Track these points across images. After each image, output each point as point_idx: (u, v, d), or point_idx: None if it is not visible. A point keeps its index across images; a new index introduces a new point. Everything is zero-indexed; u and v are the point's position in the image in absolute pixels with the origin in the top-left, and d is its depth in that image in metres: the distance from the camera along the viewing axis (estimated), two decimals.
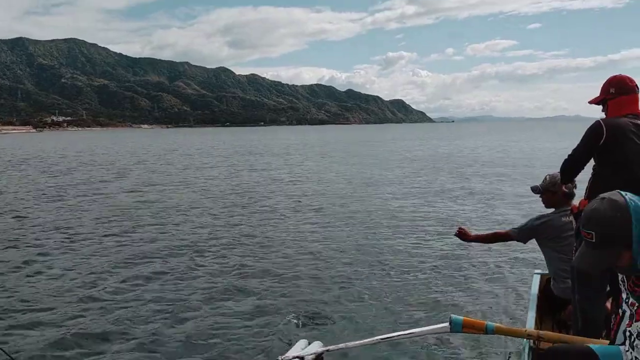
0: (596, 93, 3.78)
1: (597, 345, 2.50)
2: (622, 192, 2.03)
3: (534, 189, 4.39)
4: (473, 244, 5.98)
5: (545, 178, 4.26)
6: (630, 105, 3.65)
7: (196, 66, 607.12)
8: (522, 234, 4.30)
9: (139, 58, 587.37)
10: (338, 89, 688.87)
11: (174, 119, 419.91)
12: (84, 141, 74.96)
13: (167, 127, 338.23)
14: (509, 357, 4.37)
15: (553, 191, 4.23)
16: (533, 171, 20.08)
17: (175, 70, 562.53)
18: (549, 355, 2.52)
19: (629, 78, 3.71)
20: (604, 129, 3.52)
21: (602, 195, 2.08)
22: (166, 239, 9.41)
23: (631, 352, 2.21)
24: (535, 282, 4.52)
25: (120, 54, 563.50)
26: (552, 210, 4.25)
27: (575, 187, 4.18)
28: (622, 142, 3.48)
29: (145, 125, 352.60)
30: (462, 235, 4.47)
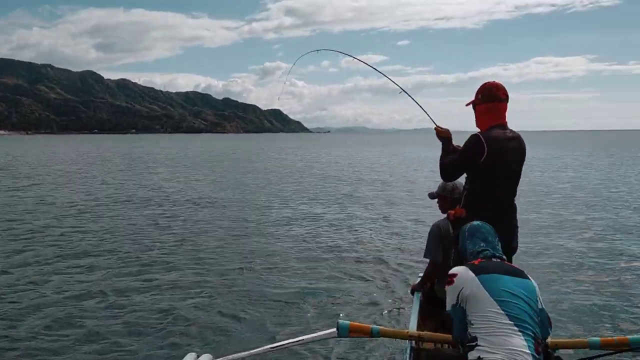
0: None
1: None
2: None
3: (431, 195, 4.60)
4: None
5: (440, 185, 4.42)
6: (494, 115, 3.62)
7: (60, 69, 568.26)
8: (435, 252, 4.37)
9: None
10: (215, 97, 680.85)
11: (34, 124, 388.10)
12: None
13: (27, 134, 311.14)
14: (393, 358, 4.53)
15: (443, 196, 4.44)
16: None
17: (37, 73, 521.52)
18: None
19: (497, 86, 3.67)
20: (485, 145, 3.50)
21: None
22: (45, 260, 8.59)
23: None
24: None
25: None
26: (445, 215, 4.46)
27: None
28: (503, 157, 3.55)
29: (2, 131, 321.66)
30: None
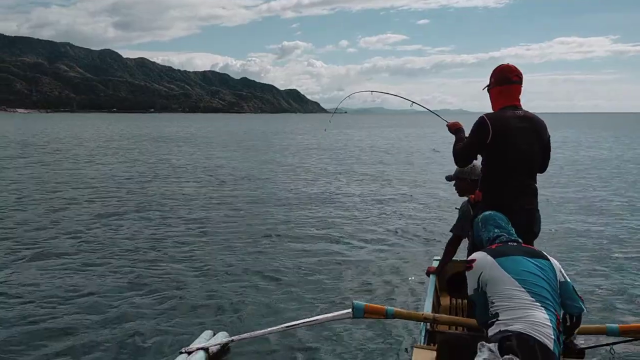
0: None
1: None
2: None
3: (448, 178, 4.59)
4: None
5: (457, 168, 4.39)
6: (507, 96, 3.62)
7: (79, 47, 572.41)
8: (461, 229, 4.40)
9: (15, 37, 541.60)
10: (232, 76, 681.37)
11: (53, 103, 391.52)
12: None
13: (47, 112, 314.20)
14: (408, 340, 4.55)
15: (461, 178, 4.43)
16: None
17: (56, 51, 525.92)
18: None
19: (509, 68, 3.66)
20: (489, 125, 3.50)
21: None
22: (69, 233, 8.74)
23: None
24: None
25: None
26: (465, 198, 4.44)
27: None
28: (508, 137, 3.51)
29: (22, 110, 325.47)
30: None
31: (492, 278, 2.74)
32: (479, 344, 2.57)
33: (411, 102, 5.07)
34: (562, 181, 15.52)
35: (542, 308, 2.60)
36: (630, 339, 3.31)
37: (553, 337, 2.54)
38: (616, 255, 7.48)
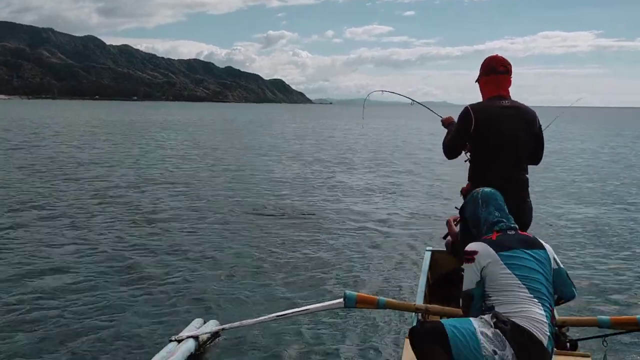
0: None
1: (449, 319, 2.78)
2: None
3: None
4: None
5: None
6: (493, 87, 3.63)
7: (62, 33, 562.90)
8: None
9: None
10: (217, 65, 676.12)
11: (35, 89, 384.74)
12: None
13: (28, 99, 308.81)
14: (399, 331, 4.56)
15: None
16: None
17: (38, 37, 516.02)
18: (411, 333, 2.75)
19: (496, 59, 3.68)
20: (472, 115, 3.53)
21: None
22: (49, 220, 8.62)
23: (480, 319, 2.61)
24: (427, 258, 4.69)
25: None
26: None
27: None
28: (492, 127, 3.51)
29: (2, 96, 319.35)
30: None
31: (492, 272, 2.71)
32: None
33: (412, 101, 5.15)
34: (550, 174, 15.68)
35: (539, 304, 2.61)
36: (622, 331, 3.35)
37: (548, 333, 2.57)
38: (608, 245, 7.59)
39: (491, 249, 2.76)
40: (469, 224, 3.16)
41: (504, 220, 2.95)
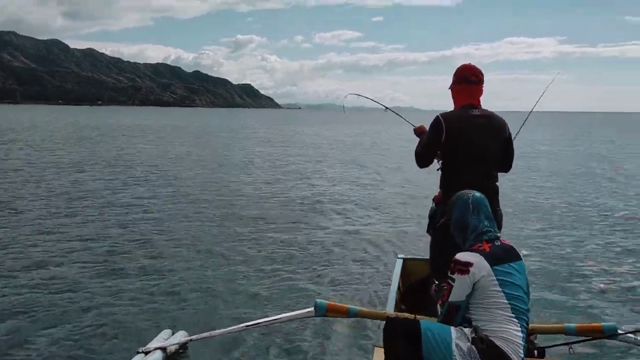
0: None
1: (429, 322, 2.77)
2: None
3: None
4: None
5: None
6: (465, 96, 3.64)
7: (25, 37, 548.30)
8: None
9: None
10: (185, 69, 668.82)
11: None
12: None
13: None
14: (370, 339, 4.55)
15: None
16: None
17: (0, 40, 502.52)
18: (386, 325, 2.77)
19: (469, 68, 3.69)
20: (443, 124, 3.53)
21: None
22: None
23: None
24: (398, 266, 4.70)
25: None
26: None
27: None
28: (462, 137, 3.53)
29: None
30: None
31: (483, 287, 2.63)
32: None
33: (385, 108, 5.17)
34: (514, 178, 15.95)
35: (519, 324, 2.61)
36: (588, 338, 3.42)
37: (521, 354, 2.59)
38: (574, 254, 7.63)
39: (486, 262, 2.66)
40: (453, 227, 3.01)
41: (492, 230, 2.86)
